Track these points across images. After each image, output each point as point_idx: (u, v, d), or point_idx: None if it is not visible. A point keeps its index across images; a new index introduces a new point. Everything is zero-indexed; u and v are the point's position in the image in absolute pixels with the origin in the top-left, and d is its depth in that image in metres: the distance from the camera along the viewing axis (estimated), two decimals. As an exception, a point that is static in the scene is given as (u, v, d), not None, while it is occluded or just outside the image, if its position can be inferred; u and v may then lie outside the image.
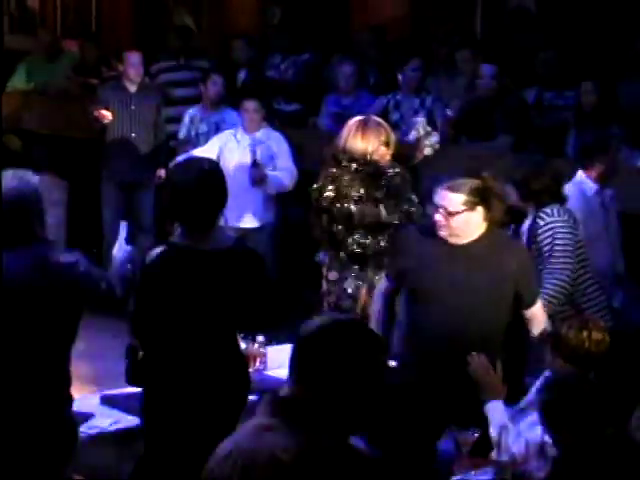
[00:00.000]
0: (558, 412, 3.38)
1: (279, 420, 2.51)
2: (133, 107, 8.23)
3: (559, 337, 4.07)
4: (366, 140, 5.69)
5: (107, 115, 8.10)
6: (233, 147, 7.39)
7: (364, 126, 5.75)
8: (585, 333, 4.04)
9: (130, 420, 4.36)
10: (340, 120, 8.15)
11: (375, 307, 4.80)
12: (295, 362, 2.57)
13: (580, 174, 5.88)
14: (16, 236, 3.62)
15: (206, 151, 7.17)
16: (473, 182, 4.41)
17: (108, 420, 4.48)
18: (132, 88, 8.33)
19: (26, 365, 3.61)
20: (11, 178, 3.67)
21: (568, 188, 5.63)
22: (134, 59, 8.32)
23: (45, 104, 9.86)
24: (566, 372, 3.89)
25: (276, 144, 7.45)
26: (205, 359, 4.03)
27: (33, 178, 3.73)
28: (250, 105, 7.43)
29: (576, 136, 7.13)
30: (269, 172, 7.30)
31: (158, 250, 4.09)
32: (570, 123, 7.38)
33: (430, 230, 4.48)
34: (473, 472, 3.96)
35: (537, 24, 8.91)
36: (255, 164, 7.24)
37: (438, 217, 4.39)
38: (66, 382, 3.78)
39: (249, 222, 7.39)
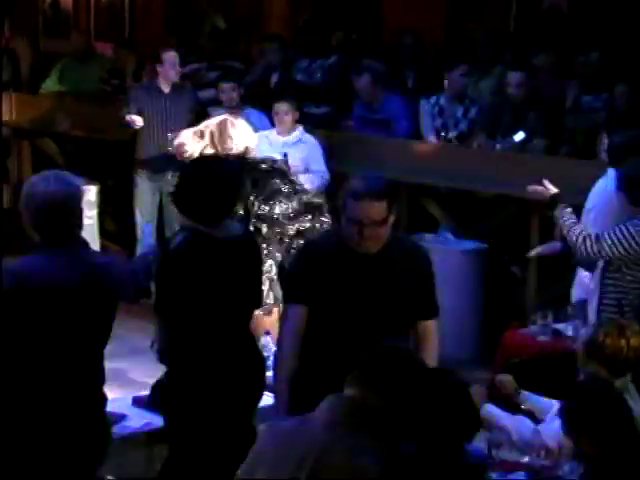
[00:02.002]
0: (579, 418, 3.37)
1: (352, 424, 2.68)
2: (167, 108, 8.25)
3: (596, 344, 4.01)
4: None
5: (137, 120, 8.14)
6: (265, 149, 7.40)
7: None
8: (623, 341, 3.99)
9: (161, 421, 4.37)
10: (368, 123, 8.18)
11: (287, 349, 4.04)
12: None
13: (610, 172, 5.83)
14: (57, 237, 3.64)
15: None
16: (386, 183, 4.03)
17: (140, 421, 4.51)
18: (166, 89, 8.35)
19: (63, 364, 3.64)
20: (54, 180, 3.67)
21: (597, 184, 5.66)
22: (171, 58, 8.33)
23: (78, 106, 9.93)
24: (596, 378, 3.87)
25: (308, 147, 7.47)
26: (227, 341, 4.19)
27: (75, 180, 3.74)
28: (282, 107, 7.45)
29: (608, 138, 7.10)
30: (301, 175, 7.31)
31: (181, 236, 4.17)
32: (603, 125, 7.34)
33: (332, 242, 4.06)
34: (507, 474, 3.96)
35: (569, 24, 8.87)
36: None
37: (366, 231, 3.88)
38: (100, 382, 3.80)
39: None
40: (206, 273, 4.12)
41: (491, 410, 4.12)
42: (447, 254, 7.23)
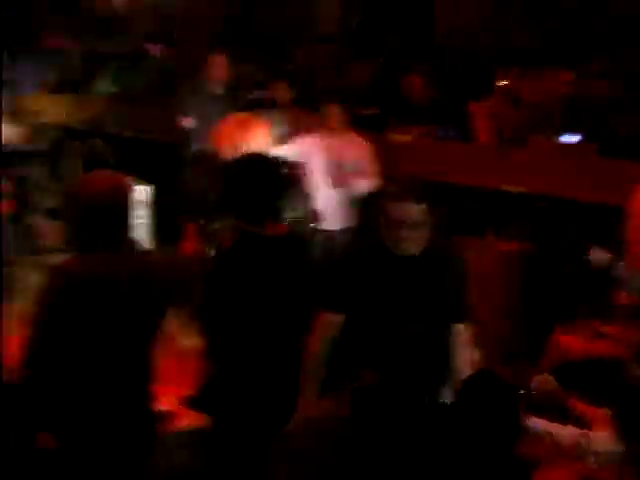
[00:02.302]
0: (631, 423, 3.35)
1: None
2: (216, 109, 8.31)
3: None
4: None
5: (187, 122, 8.23)
6: (316, 150, 7.44)
7: None
8: None
9: (207, 420, 4.40)
10: (418, 123, 8.17)
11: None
12: None
13: None
14: (105, 237, 3.66)
15: (287, 151, 7.29)
16: (425, 186, 4.07)
17: (186, 419, 4.54)
18: (216, 90, 8.42)
19: (111, 362, 3.67)
20: (104, 180, 3.69)
21: None
22: (219, 60, 8.41)
23: (129, 107, 10.03)
24: None
25: (358, 148, 7.48)
26: (276, 341, 4.21)
27: (124, 180, 3.76)
28: (332, 109, 7.47)
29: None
30: (351, 177, 7.34)
31: (229, 236, 4.22)
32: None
33: (370, 246, 4.05)
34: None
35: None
36: (337, 168, 7.29)
37: (406, 233, 3.92)
38: (149, 379, 3.83)
39: (332, 224, 7.44)
40: (254, 271, 4.14)
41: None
42: (493, 255, 7.22)
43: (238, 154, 5.67)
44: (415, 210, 3.91)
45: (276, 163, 4.46)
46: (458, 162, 7.88)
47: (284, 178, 4.51)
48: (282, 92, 8.10)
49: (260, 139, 5.94)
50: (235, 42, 9.90)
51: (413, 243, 3.94)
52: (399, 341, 3.80)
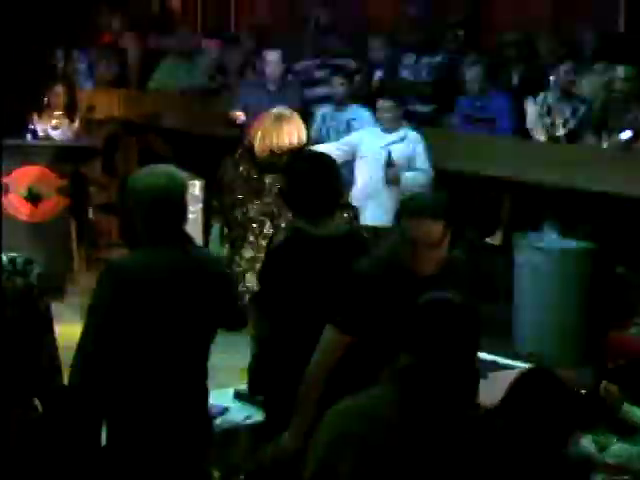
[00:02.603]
0: None
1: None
2: (272, 105, 8.29)
3: None
4: None
5: (241, 116, 8.24)
6: (369, 146, 7.42)
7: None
8: None
9: (263, 415, 4.40)
10: (471, 121, 8.12)
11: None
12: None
13: None
14: (162, 232, 3.63)
15: (342, 147, 7.28)
16: (444, 202, 3.86)
17: (241, 415, 4.53)
18: (271, 86, 8.43)
19: (165, 358, 3.64)
20: (160, 175, 3.66)
21: None
22: (273, 57, 8.42)
23: (184, 102, 10.06)
24: None
25: (413, 144, 7.45)
26: None
27: (180, 174, 3.72)
28: (386, 104, 7.44)
29: None
30: (404, 172, 7.30)
31: (283, 235, 4.21)
32: None
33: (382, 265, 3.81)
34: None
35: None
36: (389, 164, 7.26)
37: (420, 253, 3.70)
38: (205, 375, 3.80)
39: (384, 221, 7.40)
40: (305, 271, 4.10)
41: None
42: (551, 253, 7.16)
43: (273, 149, 5.78)
44: (433, 228, 3.67)
45: (334, 161, 4.41)
46: (513, 158, 7.82)
47: (341, 176, 4.45)
48: (340, 88, 8.07)
49: (295, 135, 5.92)
50: (294, 39, 9.91)
51: (426, 264, 3.71)
52: None
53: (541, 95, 7.87)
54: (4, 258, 3.44)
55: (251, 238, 5.99)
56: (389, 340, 3.43)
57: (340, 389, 3.32)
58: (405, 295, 3.53)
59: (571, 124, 7.78)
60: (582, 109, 7.77)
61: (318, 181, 4.18)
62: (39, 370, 3.45)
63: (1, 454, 3.41)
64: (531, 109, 7.92)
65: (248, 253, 5.99)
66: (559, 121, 7.79)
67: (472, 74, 8.10)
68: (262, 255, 5.21)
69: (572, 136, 7.78)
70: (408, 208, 3.74)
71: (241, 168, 6.01)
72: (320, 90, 8.80)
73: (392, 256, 3.78)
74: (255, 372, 4.35)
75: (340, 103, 8.08)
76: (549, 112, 7.83)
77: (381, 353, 3.52)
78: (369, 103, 7.95)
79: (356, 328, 3.76)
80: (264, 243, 5.50)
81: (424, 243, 3.67)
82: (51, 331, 3.49)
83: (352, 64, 9.04)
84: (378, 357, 3.54)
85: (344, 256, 4.15)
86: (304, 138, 6.08)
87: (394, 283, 3.73)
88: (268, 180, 5.94)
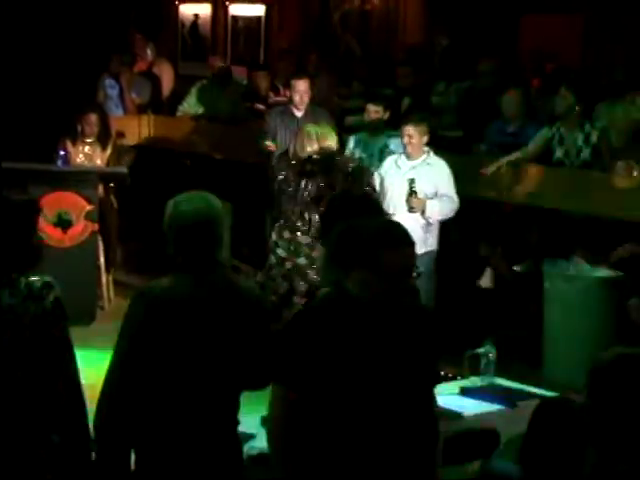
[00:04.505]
0: None
1: None
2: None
3: None
4: None
5: (272, 146, 8.31)
6: (394, 174, 7.40)
7: None
8: None
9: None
10: (503, 148, 8.10)
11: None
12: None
13: None
14: (197, 258, 3.60)
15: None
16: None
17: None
18: (299, 113, 8.46)
19: (202, 385, 3.60)
20: (196, 201, 3.63)
21: None
22: (300, 86, 8.46)
23: (214, 128, 10.12)
24: None
25: (438, 170, 7.41)
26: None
27: (217, 202, 3.68)
28: (409, 130, 7.40)
29: None
30: (429, 200, 7.26)
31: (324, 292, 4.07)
32: None
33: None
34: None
35: None
36: (411, 193, 7.21)
37: (400, 283, 3.30)
38: (236, 403, 3.74)
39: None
40: (341, 342, 3.37)
41: None
42: (581, 282, 7.11)
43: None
44: (411, 256, 3.30)
45: (377, 202, 4.29)
46: (541, 185, 7.79)
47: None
48: (375, 115, 8.06)
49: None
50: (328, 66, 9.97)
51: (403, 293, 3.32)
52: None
53: (555, 127, 7.79)
54: (22, 281, 3.43)
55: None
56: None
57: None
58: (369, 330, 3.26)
59: (585, 153, 7.69)
60: (595, 136, 7.67)
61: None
62: (55, 397, 3.42)
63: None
64: (540, 135, 7.85)
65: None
66: (573, 152, 7.71)
67: (509, 100, 8.08)
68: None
69: (588, 165, 7.70)
70: (384, 237, 3.27)
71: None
72: (353, 118, 8.81)
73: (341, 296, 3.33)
74: None
75: (374, 129, 8.08)
76: (561, 143, 7.76)
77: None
78: (397, 129, 7.94)
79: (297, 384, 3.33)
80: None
81: (406, 273, 3.30)
82: (68, 357, 3.46)
83: (391, 93, 9.05)
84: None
85: (399, 331, 3.47)
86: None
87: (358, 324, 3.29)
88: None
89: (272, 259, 6.91)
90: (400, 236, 3.31)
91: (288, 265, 6.79)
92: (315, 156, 6.88)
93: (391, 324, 3.32)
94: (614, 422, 2.75)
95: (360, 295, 3.27)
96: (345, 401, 3.26)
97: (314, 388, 3.28)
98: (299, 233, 6.78)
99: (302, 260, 6.76)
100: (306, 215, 6.75)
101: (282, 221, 6.88)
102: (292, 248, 6.82)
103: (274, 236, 6.92)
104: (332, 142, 7.11)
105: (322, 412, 3.28)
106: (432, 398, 3.48)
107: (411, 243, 3.31)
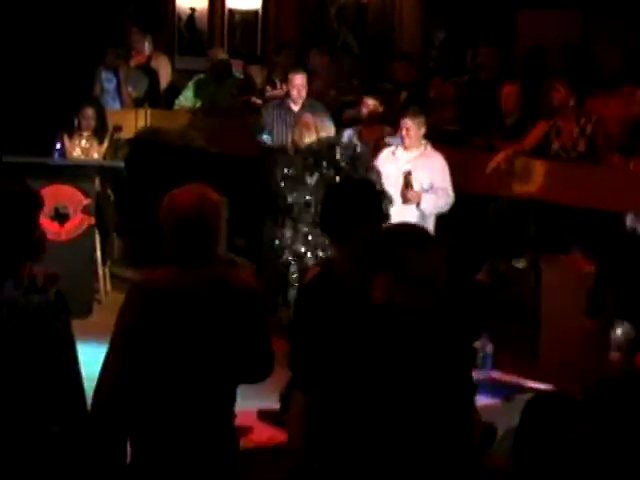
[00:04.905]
0: None
1: None
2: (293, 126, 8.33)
3: None
4: None
5: (268, 140, 8.31)
6: (390, 165, 7.41)
7: None
8: None
9: (286, 436, 4.37)
10: (500, 141, 8.10)
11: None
12: None
13: None
14: (194, 252, 3.60)
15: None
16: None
17: (265, 435, 4.51)
18: (295, 107, 8.46)
19: (198, 377, 3.61)
20: (194, 195, 3.62)
21: None
22: (298, 80, 8.45)
23: (210, 122, 10.10)
24: None
25: (434, 164, 7.43)
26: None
27: (215, 196, 3.67)
28: (406, 123, 7.43)
29: None
30: (424, 193, 7.28)
31: (314, 271, 4.10)
32: None
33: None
34: None
35: None
36: (407, 185, 7.24)
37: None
38: (232, 395, 3.74)
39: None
40: (334, 311, 3.66)
41: None
42: (576, 275, 7.11)
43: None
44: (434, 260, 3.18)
45: (374, 188, 4.25)
46: (537, 178, 7.79)
47: (383, 205, 4.22)
48: (372, 108, 8.06)
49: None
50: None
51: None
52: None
53: (552, 120, 7.79)
54: (26, 273, 3.44)
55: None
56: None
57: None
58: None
59: (581, 146, 7.69)
60: (589, 128, 7.67)
61: (356, 209, 3.99)
62: (56, 388, 3.42)
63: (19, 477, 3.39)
64: (539, 132, 7.85)
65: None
66: (569, 144, 7.71)
67: (505, 93, 8.08)
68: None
69: (583, 158, 7.70)
70: (408, 240, 3.22)
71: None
72: (350, 112, 8.81)
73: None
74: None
75: (370, 123, 8.08)
76: (558, 135, 7.76)
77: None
78: (394, 123, 7.95)
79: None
80: None
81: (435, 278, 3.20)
82: (70, 350, 3.47)
83: (390, 87, 9.05)
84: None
85: None
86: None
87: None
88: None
89: (285, 257, 6.86)
90: (424, 239, 3.21)
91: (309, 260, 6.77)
92: (315, 146, 6.93)
93: (418, 331, 3.17)
94: None
95: (385, 301, 3.16)
96: (370, 411, 3.14)
97: (341, 397, 3.16)
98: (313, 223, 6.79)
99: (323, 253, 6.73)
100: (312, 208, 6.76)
101: (295, 214, 6.87)
102: (312, 242, 6.83)
103: (288, 233, 6.86)
104: (331, 132, 7.19)
105: (345, 419, 3.17)
106: (467, 408, 3.28)
107: (437, 247, 3.20)
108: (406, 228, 3.40)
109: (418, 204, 7.27)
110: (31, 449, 3.42)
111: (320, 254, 6.71)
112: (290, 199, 6.88)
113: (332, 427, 3.19)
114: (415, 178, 7.28)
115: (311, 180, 6.85)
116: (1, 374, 3.38)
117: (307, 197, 6.86)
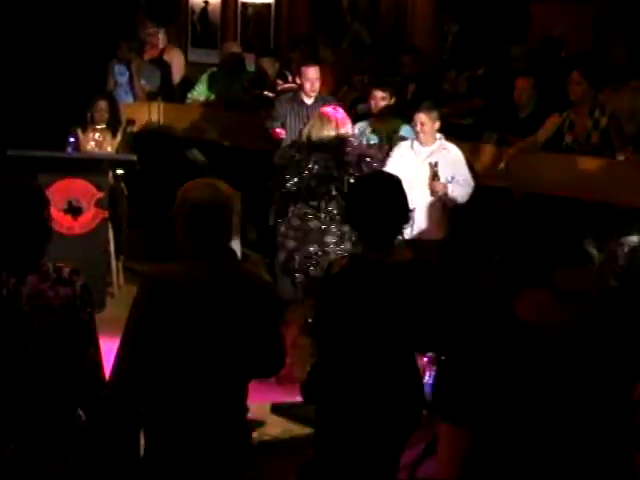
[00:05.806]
0: None
1: None
2: (309, 119, 8.31)
3: None
4: None
5: (282, 133, 8.29)
6: (410, 159, 7.41)
7: None
8: None
9: (299, 429, 4.39)
10: (514, 135, 8.08)
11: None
12: None
13: None
14: (206, 245, 3.61)
15: (389, 165, 7.27)
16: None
17: (278, 429, 4.51)
18: (308, 101, 8.45)
19: (211, 370, 3.62)
20: (206, 188, 3.63)
21: None
22: (310, 73, 8.44)
23: (222, 115, 10.10)
24: None
25: (452, 156, 7.44)
26: (382, 372, 4.08)
27: (227, 188, 3.69)
28: (420, 117, 7.42)
29: None
30: (450, 184, 7.32)
31: (344, 262, 4.12)
32: None
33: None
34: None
35: None
36: (434, 177, 7.26)
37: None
38: (244, 388, 3.76)
39: (425, 234, 7.38)
40: (364, 300, 4.00)
41: None
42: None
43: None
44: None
45: (400, 183, 4.24)
46: (561, 172, 7.76)
47: (407, 199, 4.23)
48: (382, 101, 8.06)
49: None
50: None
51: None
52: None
53: (565, 112, 7.76)
54: (50, 266, 3.46)
55: None
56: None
57: None
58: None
59: (594, 139, 7.67)
60: (604, 121, 7.64)
61: (384, 204, 4.07)
62: (81, 377, 3.45)
63: (45, 463, 3.42)
64: (551, 125, 7.81)
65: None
66: (582, 137, 7.68)
67: (518, 86, 8.06)
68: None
69: (597, 151, 7.67)
70: (561, 252, 2.93)
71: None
72: (362, 106, 8.80)
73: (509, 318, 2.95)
74: (311, 380, 4.25)
75: (381, 116, 8.07)
76: (571, 128, 7.73)
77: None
78: (404, 116, 7.95)
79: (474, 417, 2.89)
80: None
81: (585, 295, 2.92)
82: (94, 343, 3.49)
83: (399, 80, 9.04)
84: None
85: (409, 285, 4.05)
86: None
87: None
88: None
89: (281, 256, 6.91)
90: (578, 252, 2.95)
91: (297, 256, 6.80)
92: (326, 140, 6.92)
93: (576, 352, 2.94)
94: None
95: (537, 321, 2.89)
96: (545, 441, 2.88)
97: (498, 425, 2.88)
98: (311, 217, 6.77)
99: (314, 248, 6.75)
100: (315, 201, 6.75)
101: (291, 209, 6.87)
102: (300, 236, 6.81)
103: (283, 228, 6.90)
104: (349, 129, 7.16)
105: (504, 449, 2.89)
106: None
107: (590, 261, 2.95)
108: (559, 241, 3.03)
109: (446, 194, 7.29)
110: (58, 434, 3.44)
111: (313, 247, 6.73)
112: (290, 183, 6.87)
113: (501, 460, 2.90)
114: (439, 173, 7.30)
115: (315, 166, 6.82)
116: (32, 363, 3.39)
117: (309, 184, 6.84)
